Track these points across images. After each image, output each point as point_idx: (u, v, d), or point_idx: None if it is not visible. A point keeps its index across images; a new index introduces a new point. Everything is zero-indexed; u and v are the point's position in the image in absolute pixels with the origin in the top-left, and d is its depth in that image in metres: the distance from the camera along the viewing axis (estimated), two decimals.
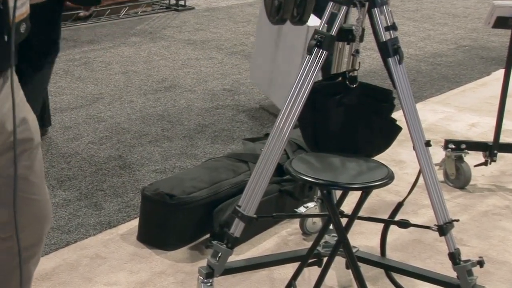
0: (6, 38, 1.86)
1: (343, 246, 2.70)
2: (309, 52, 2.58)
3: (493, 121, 4.15)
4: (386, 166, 2.66)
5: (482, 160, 4.16)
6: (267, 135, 3.49)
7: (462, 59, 7.04)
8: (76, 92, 5.28)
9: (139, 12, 7.96)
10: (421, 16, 8.76)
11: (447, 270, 2.82)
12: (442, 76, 6.42)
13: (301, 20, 2.87)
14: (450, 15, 8.89)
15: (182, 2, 8.39)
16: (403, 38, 7.55)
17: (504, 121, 4.15)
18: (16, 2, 1.82)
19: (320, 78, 2.91)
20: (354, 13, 2.75)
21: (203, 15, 8.21)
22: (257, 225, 3.22)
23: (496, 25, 3.94)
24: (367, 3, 2.62)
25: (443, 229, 2.66)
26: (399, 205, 2.87)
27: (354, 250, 2.76)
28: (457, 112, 5.48)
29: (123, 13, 7.72)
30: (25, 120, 2.05)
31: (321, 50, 2.56)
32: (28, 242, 2.11)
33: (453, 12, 9.06)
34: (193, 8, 8.43)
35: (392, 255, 3.23)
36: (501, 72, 4.30)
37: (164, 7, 8.30)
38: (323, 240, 2.89)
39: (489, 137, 4.18)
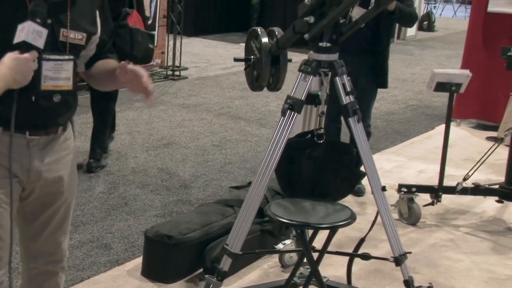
0: (33, 98, 1.89)
1: (315, 276, 2.68)
2: (283, 114, 2.60)
3: (437, 168, 4.18)
4: (349, 208, 2.66)
5: (430, 200, 4.18)
6: (249, 183, 3.48)
7: (411, 116, 7.11)
8: (88, 150, 5.26)
9: None
10: None
11: None
12: (395, 130, 6.47)
13: (275, 87, 2.90)
14: (400, 80, 8.99)
15: (177, 73, 8.43)
16: None
17: (447, 168, 4.18)
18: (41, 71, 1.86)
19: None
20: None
21: (195, 83, 8.25)
22: (243, 260, 3.19)
23: (436, 89, 3.99)
24: (330, 73, 2.66)
25: (399, 260, 2.66)
26: (362, 240, 2.87)
27: (324, 280, 2.75)
28: (408, 161, 5.51)
29: None
30: (61, 178, 2.08)
31: (293, 112, 2.58)
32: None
33: (402, 77, 9.17)
34: (186, 77, 8.47)
35: (357, 283, 3.20)
36: (442, 127, 4.34)
37: (163, 77, 8.33)
38: (298, 272, 2.88)
39: (435, 181, 4.20)
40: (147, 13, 7.88)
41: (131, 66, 1.96)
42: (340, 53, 2.65)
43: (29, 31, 1.77)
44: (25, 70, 1.77)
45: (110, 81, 2.11)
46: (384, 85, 4.52)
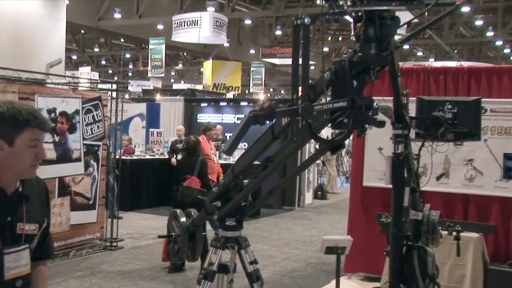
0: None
1: None
2: (198, 283, 2.60)
3: None
4: None
5: None
6: None
7: (311, 272, 7.14)
8: None
9: (84, 253, 7.74)
10: (282, 243, 8.95)
11: None
12: (299, 286, 6.45)
13: (193, 258, 2.91)
14: (301, 242, 9.11)
15: (114, 244, 8.25)
16: (270, 259, 7.63)
17: None
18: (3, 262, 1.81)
19: None
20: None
21: (130, 252, 8.05)
22: None
23: (326, 252, 4.10)
24: (236, 247, 2.71)
25: None
26: None
27: None
28: None
29: (71, 255, 7.49)
30: None
31: (206, 282, 2.58)
32: None
33: (303, 239, 9.30)
34: (122, 247, 8.27)
35: None
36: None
37: (102, 248, 8.11)
38: None
39: None
40: (88, 195, 7.87)
41: None
42: None
43: None
44: None
45: None
46: None
